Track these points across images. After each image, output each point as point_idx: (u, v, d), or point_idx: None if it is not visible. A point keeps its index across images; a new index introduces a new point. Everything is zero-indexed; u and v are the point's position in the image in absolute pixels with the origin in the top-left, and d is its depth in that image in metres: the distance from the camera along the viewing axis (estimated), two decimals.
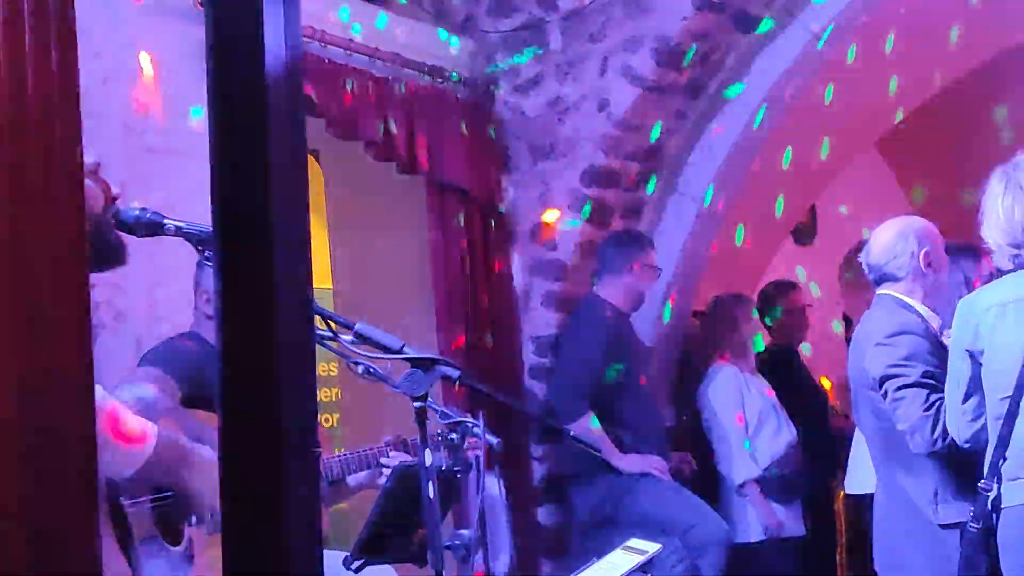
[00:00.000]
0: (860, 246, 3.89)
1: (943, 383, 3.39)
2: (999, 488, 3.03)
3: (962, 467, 3.46)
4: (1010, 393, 3.01)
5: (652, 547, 3.28)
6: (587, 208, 5.18)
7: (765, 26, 5.10)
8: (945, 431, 3.33)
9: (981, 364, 3.09)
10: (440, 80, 4.99)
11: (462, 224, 4.98)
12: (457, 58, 5.16)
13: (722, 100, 5.28)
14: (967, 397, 3.13)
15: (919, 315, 3.61)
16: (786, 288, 5.85)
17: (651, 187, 5.38)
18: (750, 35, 5.15)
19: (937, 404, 3.37)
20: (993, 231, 3.12)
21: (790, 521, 5.14)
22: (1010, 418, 3.01)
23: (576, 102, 5.17)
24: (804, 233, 7.35)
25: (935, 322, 3.63)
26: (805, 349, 5.94)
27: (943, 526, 3.46)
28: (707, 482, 5.18)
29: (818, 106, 5.44)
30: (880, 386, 3.53)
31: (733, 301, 5.39)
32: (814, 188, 6.57)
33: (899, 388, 3.46)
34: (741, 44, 5.20)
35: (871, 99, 5.82)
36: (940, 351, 3.52)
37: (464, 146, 5.00)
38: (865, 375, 3.60)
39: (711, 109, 5.31)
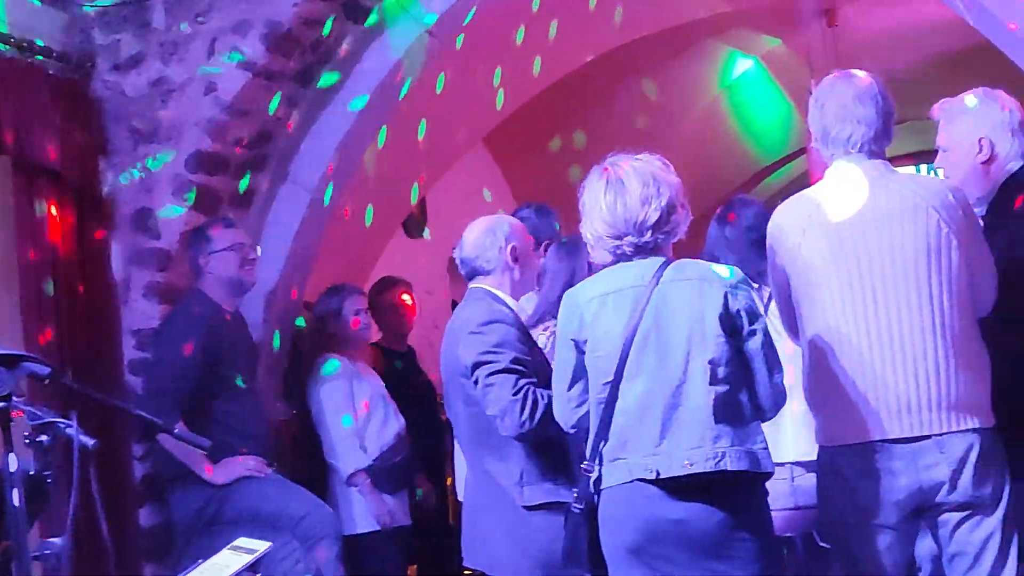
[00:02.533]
0: None
1: (531, 369, 3.61)
2: (600, 469, 3.16)
3: (547, 451, 3.68)
4: (611, 379, 3.15)
5: (261, 545, 3.20)
6: (192, 195, 4.98)
7: (376, 16, 5.11)
8: (533, 414, 3.53)
9: (585, 352, 3.20)
10: (29, 54, 4.65)
11: (54, 209, 4.66)
12: (50, 31, 4.82)
13: (334, 88, 5.23)
14: (572, 384, 3.25)
15: (508, 306, 3.79)
16: (393, 283, 5.92)
17: (246, 182, 5.22)
18: (361, 24, 5.13)
19: (525, 388, 3.56)
20: (596, 224, 3.24)
21: (399, 511, 5.19)
22: (611, 402, 3.15)
23: (182, 84, 4.97)
24: (414, 226, 7.44)
25: (523, 313, 3.85)
26: (413, 341, 6.03)
27: (528, 507, 3.64)
28: (318, 475, 5.13)
29: (429, 96, 5.50)
30: (472, 373, 3.66)
31: (343, 293, 5.36)
32: (425, 180, 6.64)
33: (490, 374, 3.61)
34: (353, 33, 5.18)
35: (480, 91, 5.96)
36: (528, 339, 3.77)
37: (56, 125, 4.68)
38: (458, 363, 3.73)
39: (322, 97, 5.25)
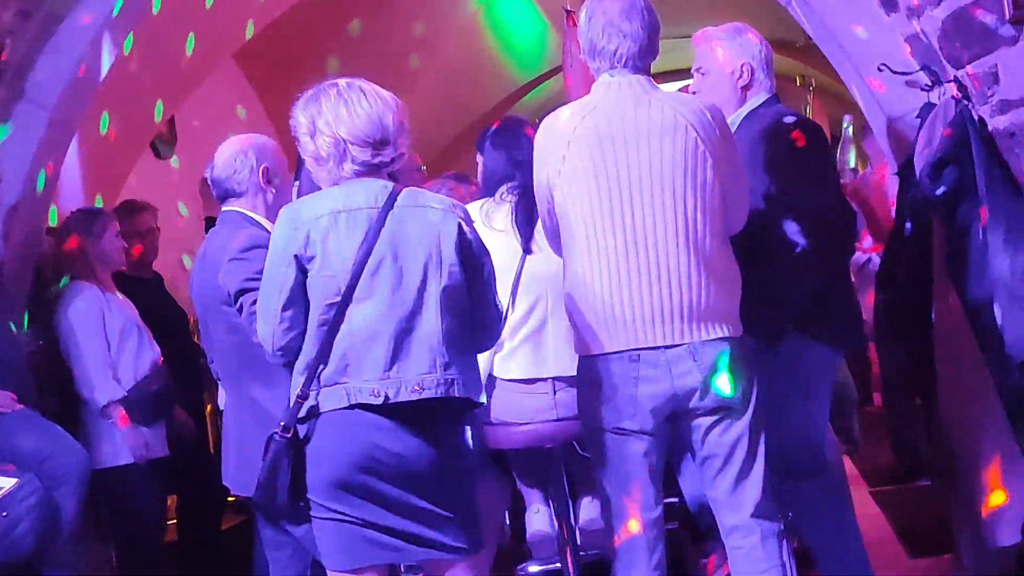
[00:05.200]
0: None
1: None
2: (317, 396, 3.10)
3: None
4: (338, 300, 3.10)
5: (7, 482, 3.05)
6: None
7: None
8: None
9: (308, 270, 3.13)
10: None
11: None
12: None
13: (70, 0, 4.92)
14: (288, 305, 3.14)
15: (265, 229, 3.67)
16: (138, 207, 5.70)
17: None
18: None
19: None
20: (325, 139, 3.19)
21: (156, 442, 5.05)
22: (335, 324, 3.10)
23: None
24: (163, 146, 7.16)
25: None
26: (164, 267, 5.82)
27: None
28: (69, 407, 4.91)
29: (182, 8, 5.25)
30: (235, 300, 3.56)
31: (88, 218, 5.10)
32: (174, 98, 6.37)
33: (255, 302, 3.46)
34: None
35: (232, 5, 5.75)
36: None
37: None
38: (219, 290, 3.62)
39: (57, 8, 4.93)
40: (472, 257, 3.21)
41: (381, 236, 3.11)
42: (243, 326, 3.57)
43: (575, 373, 3.76)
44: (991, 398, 4.04)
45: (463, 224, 3.21)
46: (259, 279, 3.45)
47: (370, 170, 3.19)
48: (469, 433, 3.25)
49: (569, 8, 6.21)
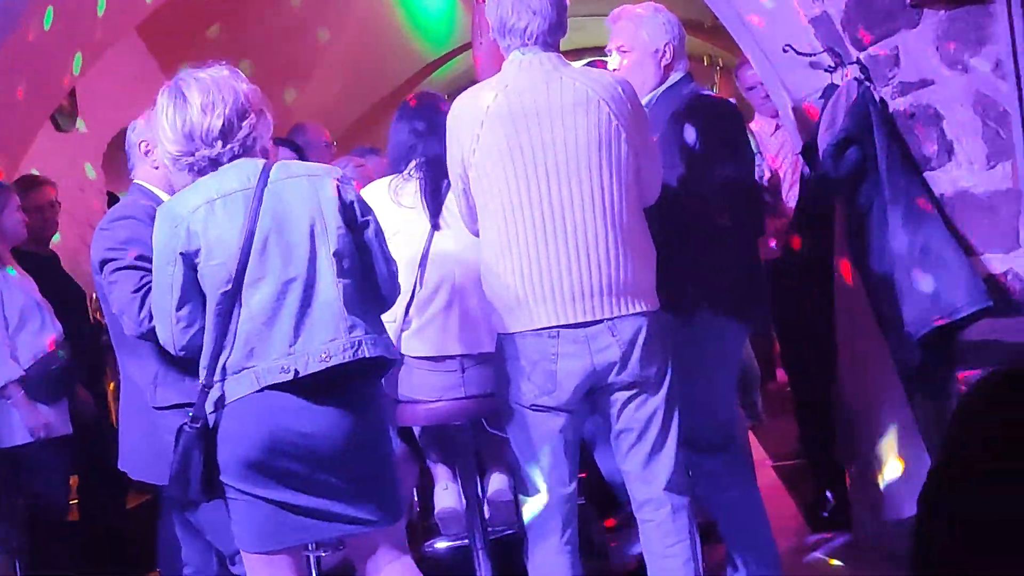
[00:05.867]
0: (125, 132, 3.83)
1: None
2: (223, 385, 3.06)
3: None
4: (230, 287, 3.05)
5: None
6: None
7: None
8: (151, 312, 3.30)
9: (196, 264, 3.08)
10: None
11: None
12: None
13: None
14: (182, 304, 3.09)
15: (160, 200, 3.59)
16: (36, 182, 5.57)
17: None
18: None
19: (148, 286, 3.35)
20: (167, 145, 3.14)
21: (58, 421, 4.95)
22: (230, 311, 3.05)
23: None
24: (64, 119, 6.99)
25: None
26: (66, 242, 5.69)
27: (161, 408, 3.51)
28: None
29: None
30: (100, 270, 3.50)
31: None
32: (71, 69, 6.22)
33: (114, 271, 3.45)
34: None
35: None
36: None
37: None
38: (94, 262, 3.56)
39: None
40: (356, 217, 3.16)
41: (261, 214, 3.06)
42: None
43: (483, 350, 3.76)
44: (890, 375, 4.13)
45: (341, 186, 3.16)
46: (120, 249, 3.42)
47: (232, 157, 3.13)
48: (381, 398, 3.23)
49: None
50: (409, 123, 4.09)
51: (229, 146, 3.11)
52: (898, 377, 4.10)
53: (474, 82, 3.56)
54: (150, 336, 3.34)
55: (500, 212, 3.35)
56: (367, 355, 3.06)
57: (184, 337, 3.11)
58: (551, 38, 3.42)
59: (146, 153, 3.72)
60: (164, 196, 3.66)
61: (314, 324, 3.05)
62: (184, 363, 3.33)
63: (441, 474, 4.27)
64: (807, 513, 5.21)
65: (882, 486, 4.37)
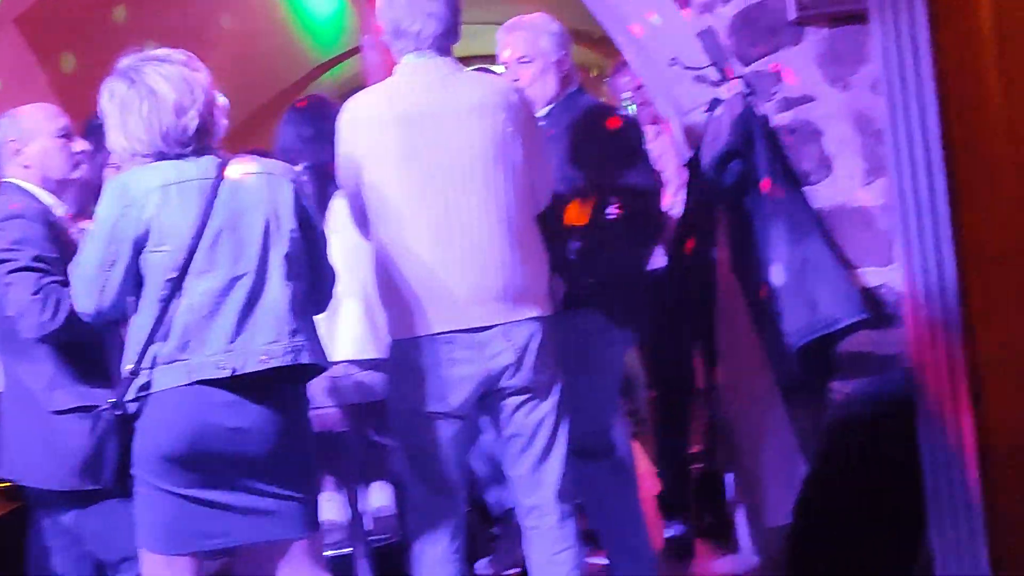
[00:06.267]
0: None
1: (56, 266, 3.33)
2: (151, 372, 3.00)
3: (81, 353, 3.44)
4: (176, 275, 3.00)
5: None
6: None
7: None
8: (56, 314, 3.26)
9: (142, 248, 3.02)
10: None
11: None
12: None
13: None
14: (116, 282, 3.02)
15: (38, 200, 3.53)
16: None
17: None
18: None
19: (47, 287, 3.30)
20: (132, 141, 3.06)
21: None
22: (173, 300, 3.00)
23: None
24: None
25: (60, 209, 3.56)
26: None
27: (58, 412, 3.43)
28: None
29: None
30: None
31: None
32: None
33: (9, 272, 3.35)
34: None
35: None
36: (57, 234, 3.48)
37: None
38: None
39: None
40: (309, 219, 3.16)
41: (216, 207, 3.02)
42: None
43: (366, 356, 3.73)
44: (769, 384, 4.21)
45: (297, 187, 3.15)
46: (15, 250, 3.34)
47: (197, 153, 3.08)
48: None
49: None
50: (296, 128, 4.06)
51: (200, 143, 3.07)
52: (777, 387, 4.17)
53: (364, 86, 3.54)
54: (51, 337, 3.28)
55: (395, 217, 3.34)
56: (306, 361, 3.05)
57: (106, 302, 3.03)
58: (445, 42, 3.42)
59: (16, 152, 3.60)
60: (41, 194, 3.57)
61: (257, 324, 3.01)
62: (80, 365, 3.31)
63: (324, 484, 4.23)
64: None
65: (760, 495, 4.44)
